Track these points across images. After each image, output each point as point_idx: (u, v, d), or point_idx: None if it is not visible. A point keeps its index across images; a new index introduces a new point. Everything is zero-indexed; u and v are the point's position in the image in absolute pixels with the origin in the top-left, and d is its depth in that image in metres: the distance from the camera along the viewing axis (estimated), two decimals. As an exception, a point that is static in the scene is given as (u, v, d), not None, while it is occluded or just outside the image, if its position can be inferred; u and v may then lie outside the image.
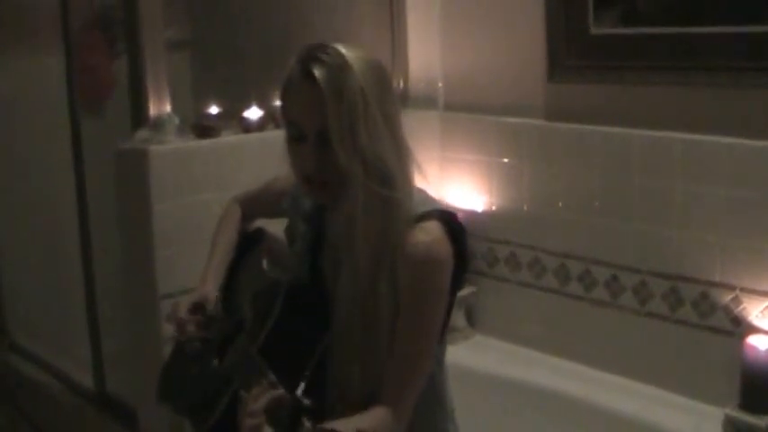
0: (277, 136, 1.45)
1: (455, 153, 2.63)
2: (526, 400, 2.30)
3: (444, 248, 1.37)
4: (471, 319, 2.61)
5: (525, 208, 2.45)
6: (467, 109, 2.60)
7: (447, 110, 2.66)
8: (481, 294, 2.59)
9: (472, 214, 2.56)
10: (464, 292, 2.50)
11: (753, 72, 1.96)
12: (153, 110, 2.09)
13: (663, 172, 2.13)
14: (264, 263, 1.57)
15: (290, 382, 1.38)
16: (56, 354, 2.98)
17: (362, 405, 1.37)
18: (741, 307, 2.02)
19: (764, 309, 1.98)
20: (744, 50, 1.96)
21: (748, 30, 1.96)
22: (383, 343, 1.38)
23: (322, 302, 1.45)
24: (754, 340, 1.94)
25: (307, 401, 1.24)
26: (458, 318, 2.54)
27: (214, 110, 2.28)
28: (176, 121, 2.12)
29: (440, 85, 2.67)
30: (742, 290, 2.01)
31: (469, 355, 2.42)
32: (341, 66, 1.32)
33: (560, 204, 2.36)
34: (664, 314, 2.17)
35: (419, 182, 1.44)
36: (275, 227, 1.70)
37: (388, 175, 1.34)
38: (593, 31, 2.23)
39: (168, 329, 1.68)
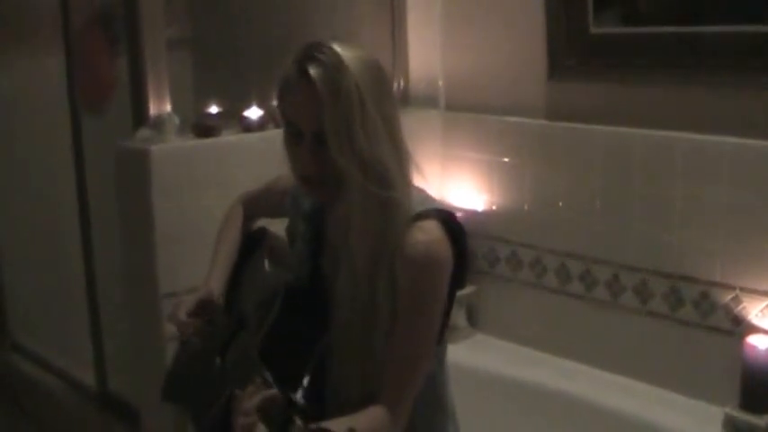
0: (277, 135, 1.45)
1: (456, 152, 2.63)
2: (527, 400, 2.30)
3: (443, 248, 1.37)
4: (472, 319, 2.61)
5: (526, 207, 2.46)
6: (467, 108, 2.60)
7: (448, 109, 2.66)
8: (482, 294, 2.59)
9: (473, 214, 2.56)
10: (465, 291, 2.50)
11: (754, 71, 1.96)
12: (153, 109, 2.10)
13: (663, 171, 2.13)
14: (266, 263, 1.57)
15: (290, 382, 1.38)
16: (57, 353, 2.99)
17: (361, 405, 1.37)
18: (741, 306, 2.02)
19: (764, 308, 1.99)
20: (745, 50, 1.96)
21: (749, 29, 1.96)
22: (382, 343, 1.37)
23: (322, 302, 1.46)
24: (753, 340, 1.94)
25: (299, 400, 1.25)
26: (459, 317, 2.55)
27: (214, 109, 2.28)
28: (177, 120, 2.12)
29: (440, 84, 2.67)
30: (742, 289, 2.01)
31: (470, 355, 2.42)
32: (337, 65, 1.32)
33: (561, 204, 2.36)
34: (664, 313, 2.17)
35: (418, 181, 1.44)
36: (277, 227, 1.70)
37: (386, 175, 1.34)
38: (593, 30, 2.23)
39: (170, 329, 1.68)
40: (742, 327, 2.01)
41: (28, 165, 3.12)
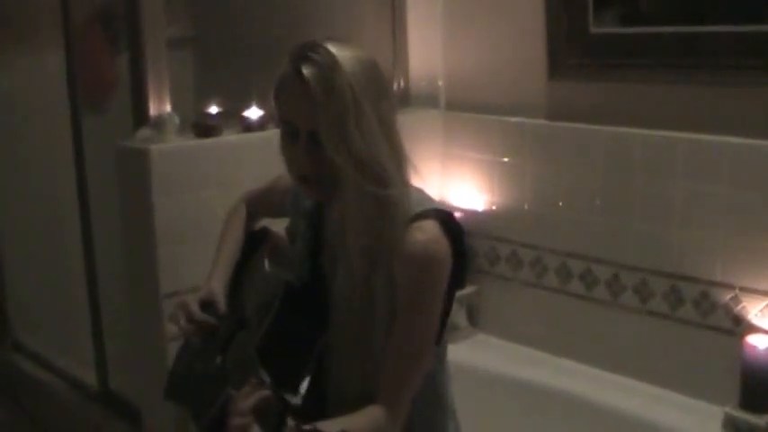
0: (277, 135, 1.46)
1: (456, 152, 2.63)
2: (527, 399, 2.30)
3: (441, 247, 1.37)
4: (473, 318, 2.62)
5: (527, 207, 2.46)
6: (468, 108, 2.60)
7: (448, 109, 2.66)
8: (483, 293, 2.59)
9: (474, 213, 2.56)
10: (466, 290, 2.51)
11: (754, 71, 1.96)
12: (154, 109, 2.10)
13: (664, 171, 2.13)
14: (266, 263, 1.57)
15: (290, 382, 1.39)
16: (59, 352, 2.99)
17: (362, 404, 1.37)
18: (741, 306, 2.02)
19: (764, 308, 1.99)
20: (745, 49, 1.96)
21: (750, 29, 1.96)
22: (380, 342, 1.38)
23: (321, 302, 1.46)
24: (753, 339, 1.94)
25: (293, 401, 1.25)
26: (459, 316, 2.55)
27: (215, 109, 2.28)
28: (177, 120, 2.12)
29: (441, 84, 2.67)
30: (742, 289, 2.02)
31: (471, 354, 2.43)
32: (330, 64, 1.32)
33: (562, 203, 2.37)
34: (664, 313, 2.17)
35: (416, 181, 1.44)
36: (278, 226, 1.71)
37: (382, 174, 1.34)
38: (593, 30, 2.23)
39: (171, 328, 1.69)
40: (742, 326, 2.01)
41: (28, 164, 3.13)
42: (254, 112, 2.26)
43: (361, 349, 1.39)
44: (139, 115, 2.11)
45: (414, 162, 1.42)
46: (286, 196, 1.63)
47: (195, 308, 1.59)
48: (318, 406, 1.44)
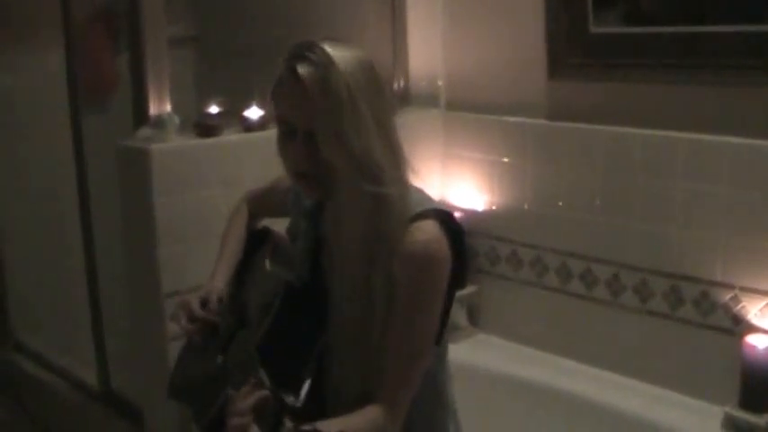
0: (278, 135, 1.46)
1: (456, 152, 2.63)
2: (527, 399, 2.30)
3: (441, 247, 1.37)
4: (473, 318, 2.62)
5: (527, 207, 2.46)
6: (468, 108, 2.60)
7: (448, 109, 2.66)
8: (483, 293, 2.59)
9: (474, 213, 2.56)
10: (466, 290, 2.51)
11: (754, 71, 1.96)
12: (154, 108, 2.09)
13: (664, 171, 2.13)
14: (267, 262, 1.58)
15: (290, 382, 1.39)
16: (60, 352, 2.99)
17: (361, 404, 1.37)
18: (741, 306, 2.02)
19: (764, 307, 1.99)
20: (745, 50, 1.96)
21: (750, 29, 1.96)
22: (379, 342, 1.38)
23: (321, 301, 1.46)
24: (753, 339, 1.94)
25: (291, 401, 1.25)
26: (460, 316, 2.55)
27: (215, 109, 2.28)
28: (177, 120, 2.12)
29: (441, 84, 2.67)
30: (741, 289, 2.02)
31: (471, 354, 2.43)
32: (326, 64, 1.32)
33: (562, 203, 2.37)
34: (664, 313, 2.18)
35: (416, 181, 1.44)
36: (280, 226, 1.71)
37: (377, 172, 1.34)
38: (594, 30, 2.23)
39: (173, 328, 1.69)
40: (741, 326, 2.02)
41: (29, 164, 3.13)
42: (254, 112, 2.26)
43: (361, 349, 1.40)
44: (140, 115, 2.11)
45: (412, 162, 1.42)
46: (287, 196, 1.63)
47: (196, 306, 1.59)
48: (317, 406, 1.44)
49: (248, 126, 2.26)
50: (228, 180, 2.12)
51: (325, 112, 1.32)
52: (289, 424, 1.18)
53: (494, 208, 2.55)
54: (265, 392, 1.25)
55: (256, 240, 1.71)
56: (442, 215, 1.40)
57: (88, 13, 2.79)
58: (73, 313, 2.86)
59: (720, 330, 2.06)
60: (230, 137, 2.22)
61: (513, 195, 2.49)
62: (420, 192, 1.45)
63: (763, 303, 1.99)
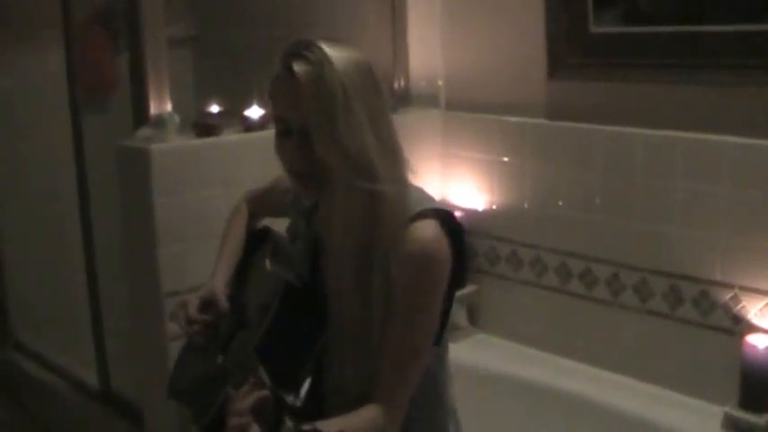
0: (277, 135, 1.46)
1: (456, 152, 2.63)
2: (527, 398, 2.30)
3: (441, 246, 1.37)
4: (473, 318, 2.62)
5: (526, 206, 2.46)
6: (468, 108, 2.60)
7: (448, 109, 2.67)
8: (483, 292, 2.59)
9: (474, 213, 2.56)
10: (466, 290, 2.51)
11: (754, 70, 1.96)
12: (154, 108, 2.10)
13: (664, 170, 2.13)
14: (267, 262, 1.58)
15: (290, 381, 1.39)
16: (60, 352, 3.00)
17: (359, 403, 1.37)
18: (740, 305, 2.02)
19: (763, 307, 1.99)
20: (745, 49, 1.96)
21: (750, 29, 1.96)
22: (377, 341, 1.38)
23: (321, 301, 1.46)
24: (753, 339, 1.94)
25: (291, 401, 1.24)
26: (459, 316, 2.55)
27: (215, 108, 2.29)
28: (177, 119, 2.12)
29: (441, 83, 2.67)
30: (741, 288, 2.02)
31: (471, 353, 2.43)
32: (321, 62, 1.32)
33: (561, 203, 2.37)
34: (664, 312, 2.18)
35: (415, 180, 1.44)
36: (279, 226, 1.71)
37: (371, 169, 1.33)
38: (593, 29, 2.24)
39: (173, 328, 1.69)
40: (741, 326, 2.02)
41: (29, 164, 3.13)
42: (254, 112, 2.26)
43: (360, 348, 1.39)
44: (140, 114, 2.11)
45: (410, 161, 1.42)
46: (287, 196, 1.63)
47: (193, 309, 1.59)
48: (316, 405, 1.44)
49: (248, 125, 2.26)
50: (228, 180, 2.12)
51: (319, 110, 1.32)
52: (289, 423, 1.18)
53: (493, 208, 2.55)
54: (265, 392, 1.25)
55: (256, 240, 1.71)
56: (443, 214, 1.40)
57: (88, 14, 2.79)
58: (73, 313, 2.86)
59: (720, 330, 2.07)
60: (230, 137, 2.22)
61: (512, 195, 2.49)
62: (421, 191, 1.45)
63: (763, 303, 1.99)
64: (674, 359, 2.17)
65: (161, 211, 2.08)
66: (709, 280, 2.07)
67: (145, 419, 2.31)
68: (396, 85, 2.66)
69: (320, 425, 1.19)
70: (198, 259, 1.92)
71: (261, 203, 1.78)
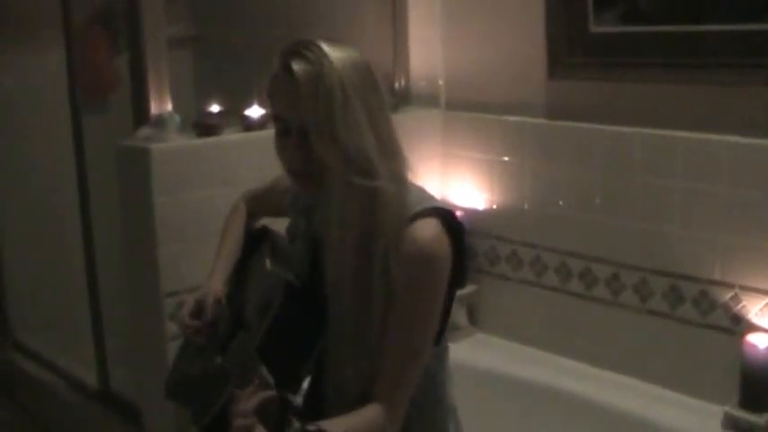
0: (277, 134, 1.46)
1: (456, 151, 2.63)
2: (527, 398, 2.30)
3: (442, 245, 1.37)
4: (473, 317, 2.62)
5: (526, 206, 2.46)
6: (468, 107, 2.60)
7: (448, 108, 2.67)
8: (483, 292, 2.59)
9: (474, 212, 2.56)
10: (466, 290, 2.51)
11: (753, 70, 1.96)
12: (154, 108, 2.10)
13: (664, 170, 2.13)
14: (267, 262, 1.58)
15: (290, 381, 1.39)
16: (59, 352, 3.00)
17: (359, 403, 1.37)
18: (741, 305, 2.02)
19: (764, 307, 1.99)
20: (745, 49, 1.96)
21: (750, 28, 1.96)
22: (377, 341, 1.37)
23: (321, 301, 1.46)
24: (753, 338, 1.94)
25: (296, 401, 1.24)
26: (459, 316, 2.55)
27: (216, 108, 2.29)
28: (178, 119, 2.12)
29: (441, 83, 2.67)
30: (741, 288, 2.02)
31: (471, 353, 2.43)
32: (320, 61, 1.32)
33: (561, 203, 2.37)
34: (664, 312, 2.18)
35: (415, 180, 1.44)
36: (279, 225, 1.71)
37: (369, 167, 1.33)
38: (593, 29, 2.24)
39: (172, 327, 1.69)
40: (742, 325, 2.02)
41: (29, 163, 3.13)
42: (254, 111, 2.26)
43: (360, 348, 1.39)
44: (140, 114, 2.12)
45: (410, 160, 1.42)
46: (286, 195, 1.63)
47: (187, 312, 1.60)
48: (316, 405, 1.44)
49: (249, 125, 2.26)
50: (228, 180, 2.12)
51: (318, 110, 1.32)
52: (296, 424, 1.18)
53: (493, 207, 2.55)
54: (270, 393, 1.25)
55: (255, 240, 1.71)
56: (443, 213, 1.39)
57: (88, 14, 2.80)
58: (72, 313, 2.87)
59: (720, 330, 2.07)
60: (230, 136, 2.22)
61: (512, 195, 2.49)
62: (422, 191, 1.45)
63: (763, 303, 1.99)
64: (673, 359, 2.17)
65: (161, 211, 2.08)
66: (709, 280, 2.07)
67: (144, 419, 2.31)
68: (396, 84, 2.66)
69: (325, 425, 1.19)
70: (198, 259, 1.92)
71: (260, 203, 1.78)
